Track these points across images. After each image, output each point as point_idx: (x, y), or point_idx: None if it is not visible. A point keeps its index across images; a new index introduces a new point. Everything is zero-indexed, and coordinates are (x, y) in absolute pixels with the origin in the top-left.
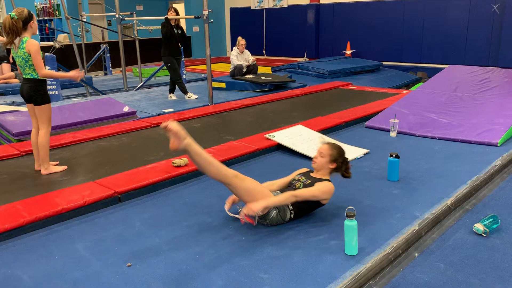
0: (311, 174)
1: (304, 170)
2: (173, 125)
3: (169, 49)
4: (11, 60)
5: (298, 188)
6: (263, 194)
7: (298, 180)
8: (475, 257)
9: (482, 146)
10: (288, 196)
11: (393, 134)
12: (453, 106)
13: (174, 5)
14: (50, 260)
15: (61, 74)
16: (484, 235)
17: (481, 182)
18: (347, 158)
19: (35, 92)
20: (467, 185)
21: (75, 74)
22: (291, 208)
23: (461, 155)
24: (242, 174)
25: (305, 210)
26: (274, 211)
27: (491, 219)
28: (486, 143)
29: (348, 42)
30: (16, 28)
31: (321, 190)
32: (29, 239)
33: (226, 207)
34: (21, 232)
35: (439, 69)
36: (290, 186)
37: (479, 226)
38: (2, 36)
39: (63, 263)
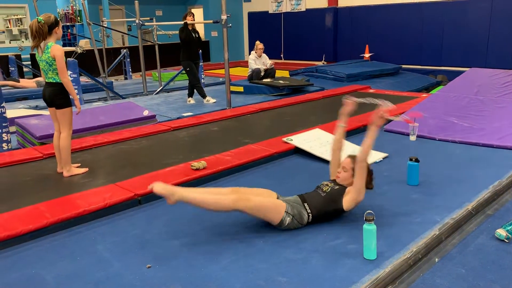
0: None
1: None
2: (157, 188)
3: (188, 53)
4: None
5: (326, 191)
6: (274, 207)
7: (327, 185)
8: (497, 263)
9: (505, 150)
10: (360, 161)
11: (412, 138)
12: (474, 109)
13: (192, 10)
14: (72, 261)
15: (74, 92)
16: (507, 240)
17: (503, 187)
18: (371, 170)
19: (56, 96)
20: (488, 189)
21: (78, 105)
22: (309, 211)
23: (482, 159)
24: (245, 192)
25: (324, 213)
26: (288, 218)
27: None
28: (509, 147)
29: (367, 45)
30: (42, 32)
31: (359, 190)
32: (52, 240)
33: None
34: (44, 233)
35: (460, 72)
36: (316, 190)
37: (501, 232)
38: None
39: (85, 264)
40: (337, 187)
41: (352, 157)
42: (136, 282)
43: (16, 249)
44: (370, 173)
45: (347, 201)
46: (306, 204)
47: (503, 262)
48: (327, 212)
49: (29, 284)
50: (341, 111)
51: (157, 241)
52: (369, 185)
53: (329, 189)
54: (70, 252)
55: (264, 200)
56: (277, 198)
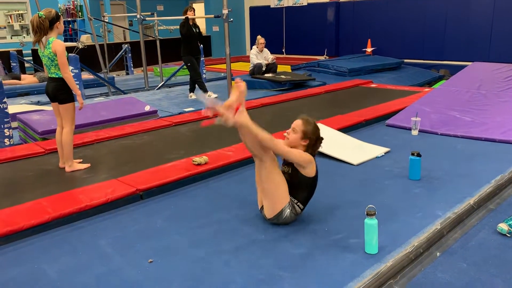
0: None
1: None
2: (243, 86)
3: (189, 48)
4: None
5: (288, 180)
6: (285, 191)
7: (283, 171)
8: (499, 257)
9: (507, 144)
10: (267, 137)
11: (414, 132)
12: (477, 103)
13: (193, 5)
14: (74, 256)
15: (76, 87)
16: (509, 235)
17: (505, 181)
18: (321, 137)
19: (59, 91)
20: (491, 184)
21: (81, 101)
22: (296, 201)
23: (485, 154)
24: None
25: (305, 194)
26: (288, 210)
27: None
28: (511, 142)
29: (369, 40)
30: (43, 27)
31: (299, 152)
32: (54, 235)
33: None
34: (47, 228)
35: (462, 67)
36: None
37: (503, 226)
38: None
39: (87, 258)
40: (290, 169)
41: (304, 119)
42: (138, 277)
43: (18, 244)
44: (319, 140)
45: (304, 171)
46: (290, 196)
47: (505, 256)
48: (306, 193)
49: (32, 279)
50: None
51: (159, 236)
52: (313, 152)
53: (288, 177)
54: (72, 247)
55: (283, 180)
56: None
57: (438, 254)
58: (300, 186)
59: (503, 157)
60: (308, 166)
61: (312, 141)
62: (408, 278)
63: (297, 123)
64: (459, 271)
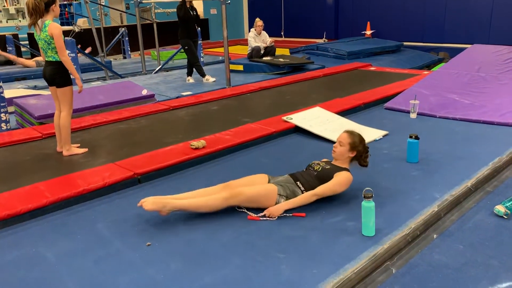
0: (332, 162)
1: (325, 160)
2: (147, 205)
3: (186, 31)
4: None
5: (317, 170)
6: (266, 193)
7: (318, 164)
8: (495, 239)
9: (506, 127)
10: (309, 197)
11: (413, 115)
12: (476, 86)
13: None
14: (72, 239)
15: (74, 70)
16: (505, 217)
17: (503, 163)
18: (367, 147)
19: (57, 75)
20: (488, 166)
21: (80, 84)
22: (302, 188)
23: (483, 137)
24: (234, 187)
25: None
26: (282, 200)
27: None
28: (509, 124)
29: (368, 23)
30: (39, 9)
31: (340, 183)
32: (52, 219)
33: None
34: (44, 212)
35: (462, 49)
36: (308, 169)
37: (500, 208)
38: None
39: (85, 242)
40: (328, 166)
41: (349, 132)
42: (136, 260)
43: (16, 228)
44: (366, 150)
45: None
46: (298, 182)
47: (501, 238)
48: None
49: (30, 262)
50: None
51: (157, 220)
52: (363, 162)
53: (320, 169)
54: (70, 231)
55: (255, 189)
56: (269, 180)
57: (435, 236)
58: (321, 183)
59: (501, 139)
60: (344, 188)
61: (360, 152)
62: (405, 260)
63: (343, 136)
64: (455, 252)
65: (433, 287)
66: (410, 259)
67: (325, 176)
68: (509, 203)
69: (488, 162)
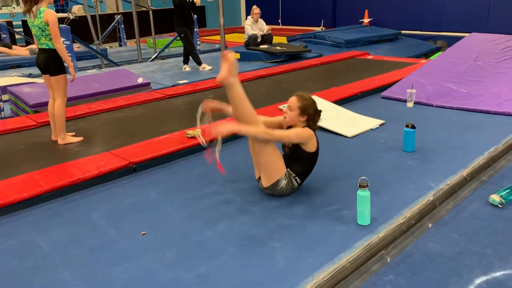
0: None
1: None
2: (232, 56)
3: (182, 19)
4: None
5: (286, 153)
6: (280, 162)
7: (284, 145)
8: (490, 228)
9: (502, 116)
10: (261, 131)
11: (410, 104)
12: (473, 75)
13: None
14: (67, 228)
15: (68, 58)
16: (500, 206)
17: (499, 153)
18: (319, 110)
19: (50, 62)
20: (484, 155)
21: (73, 73)
22: (294, 175)
23: (479, 126)
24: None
25: (304, 168)
26: (284, 181)
27: (508, 190)
28: (506, 113)
29: (366, 11)
30: None
31: (296, 132)
32: (47, 208)
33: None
34: (39, 201)
35: (460, 38)
36: (284, 154)
37: (495, 197)
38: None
39: (80, 231)
40: (291, 144)
41: (298, 96)
42: (131, 249)
43: (10, 217)
44: (317, 113)
45: (305, 146)
46: (288, 169)
47: (496, 227)
48: (305, 168)
49: (25, 251)
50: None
51: (152, 209)
52: (313, 125)
53: (288, 151)
54: (65, 220)
55: (277, 151)
56: None
57: (430, 225)
58: (300, 160)
59: (497, 128)
60: (308, 142)
61: (311, 116)
62: (399, 249)
63: (292, 100)
64: (450, 241)
65: (427, 276)
66: (405, 248)
67: (296, 155)
68: (504, 192)
69: (484, 152)
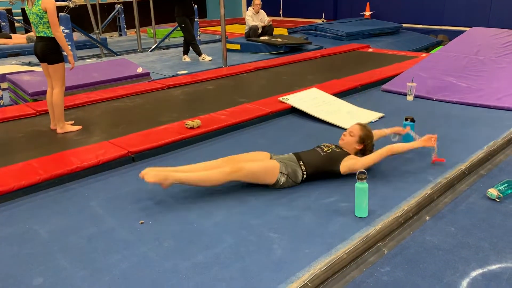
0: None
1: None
2: (148, 178)
3: (183, 9)
4: None
5: (327, 151)
6: (267, 169)
7: (328, 146)
8: (487, 222)
9: (502, 111)
10: (386, 150)
11: (409, 98)
12: (474, 69)
13: None
14: (65, 217)
15: (67, 47)
16: (498, 200)
17: (497, 147)
18: (374, 144)
19: (48, 51)
20: (483, 150)
21: (72, 61)
22: (304, 169)
23: (479, 120)
24: (237, 162)
25: (319, 172)
26: (283, 179)
27: (505, 184)
28: (505, 108)
29: (368, 3)
30: None
31: (364, 165)
32: (45, 196)
33: None
34: (37, 189)
35: (462, 32)
36: (315, 149)
37: (492, 191)
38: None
39: (78, 219)
40: (338, 149)
41: (362, 125)
42: (129, 237)
43: (9, 205)
44: (372, 146)
45: (345, 166)
46: (301, 162)
47: (493, 221)
48: (323, 171)
49: (23, 238)
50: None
51: (150, 198)
52: (360, 155)
53: (330, 150)
54: (63, 208)
55: (257, 165)
56: (271, 157)
57: (427, 218)
58: (327, 164)
59: (496, 123)
60: (351, 170)
61: (367, 147)
62: (396, 241)
63: (355, 128)
64: (447, 234)
65: (424, 267)
66: (402, 240)
67: (334, 157)
68: (502, 187)
69: (482, 146)
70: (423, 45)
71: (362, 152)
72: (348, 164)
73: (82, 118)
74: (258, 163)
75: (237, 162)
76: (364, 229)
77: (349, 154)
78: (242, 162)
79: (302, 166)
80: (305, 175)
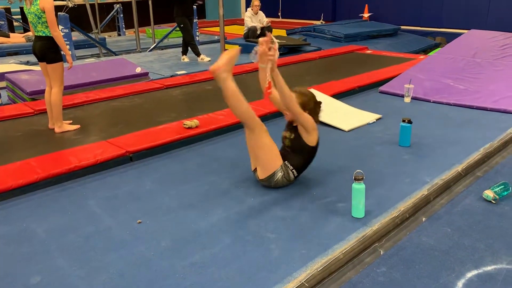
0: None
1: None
2: (236, 50)
3: (182, 9)
4: None
5: (288, 145)
6: (276, 155)
7: (285, 137)
8: (483, 223)
9: (498, 113)
10: (289, 91)
11: (407, 99)
12: (471, 72)
13: None
14: (63, 215)
15: (65, 46)
16: (494, 201)
17: (494, 149)
18: (319, 102)
19: (47, 50)
20: (479, 151)
21: (70, 60)
22: (291, 168)
23: (475, 122)
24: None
25: (302, 162)
26: (280, 174)
27: (501, 186)
28: (502, 110)
29: (366, 5)
30: None
31: (308, 116)
32: (43, 195)
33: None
34: (35, 188)
35: (460, 34)
36: (283, 147)
37: (489, 193)
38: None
39: (76, 218)
40: (292, 135)
41: (298, 92)
42: (127, 237)
43: (6, 203)
44: (317, 105)
45: (307, 138)
46: (286, 161)
47: (488, 222)
48: (303, 161)
49: (20, 237)
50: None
51: (148, 198)
52: (315, 117)
53: (289, 143)
54: (61, 207)
55: (272, 143)
56: None
57: (423, 219)
58: (300, 152)
59: (493, 125)
60: (312, 132)
61: (312, 109)
62: (393, 242)
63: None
64: (443, 235)
65: (420, 268)
66: (398, 241)
67: (296, 147)
68: (498, 188)
69: (479, 148)
70: (421, 47)
71: (310, 115)
72: (305, 136)
73: (80, 117)
74: (275, 149)
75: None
76: (360, 229)
77: (297, 129)
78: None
79: (288, 164)
80: (295, 172)
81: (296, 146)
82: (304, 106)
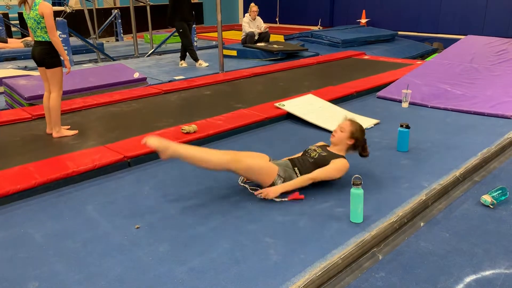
0: (328, 148)
1: (320, 143)
2: (151, 142)
3: (181, 14)
4: None
5: (313, 156)
6: (266, 169)
7: (315, 150)
8: (480, 228)
9: (496, 118)
10: (305, 180)
11: (405, 105)
12: (468, 77)
13: None
14: (61, 221)
15: (63, 51)
16: (492, 206)
17: (492, 154)
18: (365, 138)
19: (46, 55)
20: (477, 157)
21: (68, 66)
22: (299, 175)
23: (473, 127)
24: (237, 154)
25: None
26: (279, 181)
27: (499, 191)
28: (499, 116)
29: (364, 11)
30: None
31: (337, 169)
32: (41, 200)
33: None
34: (33, 193)
35: (457, 40)
36: (305, 155)
37: (486, 198)
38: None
39: (74, 223)
40: (324, 153)
41: (352, 121)
42: (125, 242)
43: (4, 208)
44: (364, 140)
45: (334, 174)
46: (296, 168)
47: (486, 227)
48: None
49: (18, 243)
50: None
51: (146, 203)
52: (363, 152)
53: (316, 155)
54: (59, 212)
55: (256, 162)
56: (269, 161)
57: (422, 224)
58: (319, 167)
59: (490, 130)
60: (342, 175)
61: (358, 142)
62: (391, 247)
63: (346, 124)
64: (441, 240)
65: (418, 273)
66: (397, 246)
67: (321, 163)
68: (496, 193)
69: (477, 153)
70: (419, 52)
71: (354, 147)
72: (333, 173)
73: (78, 122)
74: (258, 161)
75: (238, 155)
76: (359, 234)
77: (336, 156)
78: (243, 156)
79: (297, 172)
80: (299, 174)
81: (321, 162)
82: (353, 134)
